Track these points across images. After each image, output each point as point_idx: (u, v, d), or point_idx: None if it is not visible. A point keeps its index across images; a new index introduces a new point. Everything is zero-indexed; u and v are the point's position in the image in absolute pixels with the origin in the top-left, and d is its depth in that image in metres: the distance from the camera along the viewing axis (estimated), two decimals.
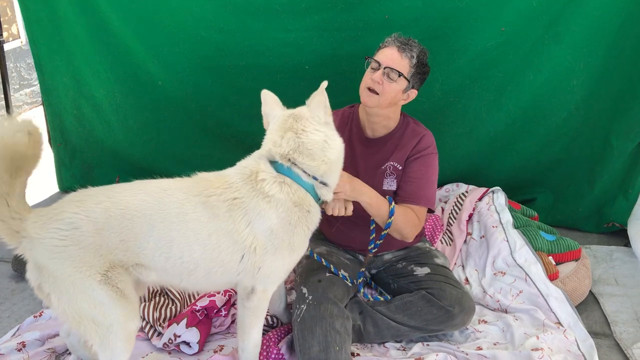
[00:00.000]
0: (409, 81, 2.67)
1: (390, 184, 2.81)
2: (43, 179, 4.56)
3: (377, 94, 2.65)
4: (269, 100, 2.48)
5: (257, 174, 2.27)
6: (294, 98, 3.68)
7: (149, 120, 4.09)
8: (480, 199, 3.59)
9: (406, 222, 2.69)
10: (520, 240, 3.18)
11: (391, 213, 2.61)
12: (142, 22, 3.67)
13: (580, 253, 3.24)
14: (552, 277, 3.03)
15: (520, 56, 3.47)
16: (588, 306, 3.12)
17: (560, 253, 3.20)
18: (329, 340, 2.39)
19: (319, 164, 2.27)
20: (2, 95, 4.39)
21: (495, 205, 3.47)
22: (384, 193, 2.74)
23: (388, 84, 2.64)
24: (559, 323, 2.80)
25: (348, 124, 2.92)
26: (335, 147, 2.32)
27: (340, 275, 2.71)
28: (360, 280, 2.89)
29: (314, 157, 2.27)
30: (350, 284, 2.73)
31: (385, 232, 2.67)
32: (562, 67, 3.47)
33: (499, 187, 3.62)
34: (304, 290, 2.61)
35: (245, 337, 2.43)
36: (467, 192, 3.72)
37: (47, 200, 4.34)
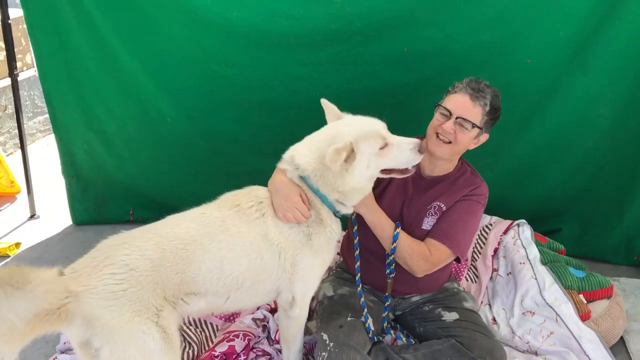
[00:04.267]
0: (481, 129, 2.58)
1: (429, 224, 2.70)
2: (56, 212, 4.50)
3: (448, 142, 2.56)
4: (327, 111, 2.60)
5: None
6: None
7: (160, 156, 4.01)
8: (505, 233, 3.48)
9: (412, 252, 2.58)
10: (549, 277, 3.07)
11: (394, 238, 2.56)
12: (152, 56, 3.58)
13: (612, 290, 3.12)
14: (584, 317, 2.92)
15: (545, 86, 3.39)
16: (616, 346, 3.00)
17: (592, 291, 3.09)
18: None
19: (330, 191, 2.36)
20: (17, 125, 4.32)
21: (522, 239, 3.36)
22: (422, 232, 2.67)
23: (461, 134, 2.54)
24: None
25: None
26: (350, 180, 2.33)
27: (366, 326, 2.60)
28: (386, 325, 2.80)
29: (327, 183, 2.35)
30: (370, 338, 2.60)
31: (392, 257, 2.61)
32: (588, 96, 3.39)
33: (524, 220, 3.51)
34: (325, 336, 2.52)
35: (291, 345, 2.60)
36: (491, 224, 3.61)
37: (61, 234, 4.27)
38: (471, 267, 3.44)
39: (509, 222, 3.55)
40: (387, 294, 2.79)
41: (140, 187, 4.21)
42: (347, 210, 2.46)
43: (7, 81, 4.70)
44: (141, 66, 3.67)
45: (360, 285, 2.68)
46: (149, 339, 2.09)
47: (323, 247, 2.44)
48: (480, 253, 3.46)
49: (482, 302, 3.20)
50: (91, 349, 2.06)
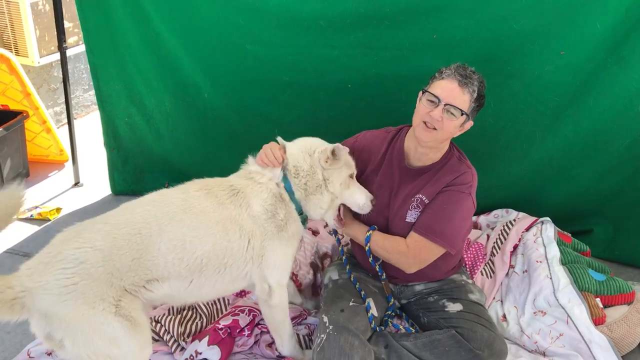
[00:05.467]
0: (468, 115, 2.53)
1: (413, 217, 2.67)
2: (99, 181, 4.70)
3: (435, 129, 2.51)
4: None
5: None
6: (335, 118, 3.63)
7: (196, 131, 4.10)
8: (527, 229, 3.37)
9: (387, 251, 2.64)
10: (565, 278, 2.95)
11: (366, 240, 2.66)
12: (190, 34, 3.66)
13: (633, 296, 2.97)
14: (598, 321, 2.80)
15: (580, 80, 3.24)
16: (631, 354, 2.86)
17: (610, 295, 2.94)
18: None
19: (301, 186, 2.52)
20: (64, 97, 4.53)
21: (543, 237, 3.25)
22: (407, 225, 2.66)
23: (448, 121, 2.49)
24: None
25: (388, 144, 2.80)
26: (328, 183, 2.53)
27: (369, 315, 2.63)
28: (387, 315, 2.81)
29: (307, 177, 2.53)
30: (372, 328, 2.63)
31: (371, 258, 2.73)
32: (626, 92, 3.21)
33: (548, 218, 3.39)
34: (325, 319, 2.54)
35: (282, 332, 2.61)
36: (515, 220, 3.51)
37: (100, 202, 4.46)
38: (489, 262, 3.36)
39: (533, 218, 3.44)
40: (391, 303, 2.84)
41: (175, 161, 4.33)
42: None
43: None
44: (181, 44, 3.76)
45: (358, 284, 2.78)
46: (109, 329, 2.11)
47: (292, 236, 2.51)
48: (499, 249, 3.37)
49: (494, 298, 3.12)
50: (55, 340, 2.12)
